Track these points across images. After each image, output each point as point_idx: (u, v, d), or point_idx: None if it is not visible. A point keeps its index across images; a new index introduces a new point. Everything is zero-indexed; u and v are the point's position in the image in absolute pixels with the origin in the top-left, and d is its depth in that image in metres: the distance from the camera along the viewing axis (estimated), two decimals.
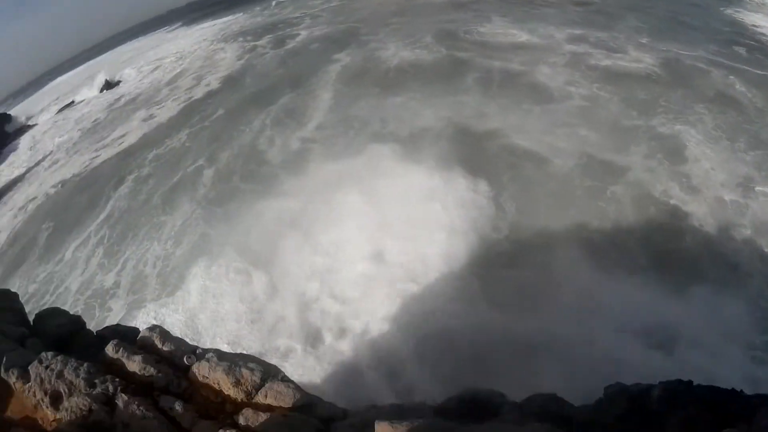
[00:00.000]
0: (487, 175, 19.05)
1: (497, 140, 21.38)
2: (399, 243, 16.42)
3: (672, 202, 16.55)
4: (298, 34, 49.83)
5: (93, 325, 16.89)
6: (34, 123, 59.16)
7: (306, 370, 13.46)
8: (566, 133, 21.05)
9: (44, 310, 9.51)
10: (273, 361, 12.67)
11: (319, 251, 17.04)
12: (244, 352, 13.64)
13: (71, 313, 9.62)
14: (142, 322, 16.84)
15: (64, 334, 8.92)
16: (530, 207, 17.25)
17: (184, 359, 7.37)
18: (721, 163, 18.16)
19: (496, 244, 16.09)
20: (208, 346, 14.60)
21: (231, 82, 39.08)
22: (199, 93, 38.52)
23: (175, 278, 18.02)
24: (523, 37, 32.99)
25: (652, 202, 16.65)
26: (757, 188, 16.90)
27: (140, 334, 8.01)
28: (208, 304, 16.33)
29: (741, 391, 6.38)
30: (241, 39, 55.98)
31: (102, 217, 24.36)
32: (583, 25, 35.09)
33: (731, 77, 24.90)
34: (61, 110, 58.32)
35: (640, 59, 27.27)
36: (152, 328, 7.89)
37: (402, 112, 25.03)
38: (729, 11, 38.71)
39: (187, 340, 7.88)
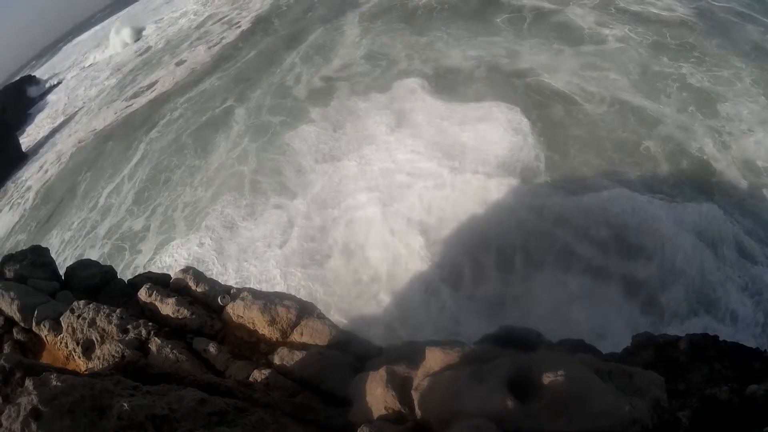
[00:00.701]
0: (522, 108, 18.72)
1: (528, 78, 20.89)
2: (432, 172, 16.63)
3: (705, 158, 15.71)
4: None
5: (123, 266, 17.96)
6: (60, 81, 59.70)
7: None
8: (597, 76, 20.26)
9: (75, 262, 9.58)
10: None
11: (351, 176, 17.43)
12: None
13: (102, 262, 9.69)
14: (169, 254, 17.57)
15: (95, 284, 8.96)
16: (562, 149, 16.87)
17: (219, 299, 7.21)
18: (759, 123, 17.13)
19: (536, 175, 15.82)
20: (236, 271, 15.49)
21: (261, 22, 38.34)
22: (230, 36, 37.98)
23: (205, 215, 18.44)
24: None
25: (686, 157, 15.93)
26: None
27: (173, 277, 7.93)
28: (240, 232, 16.89)
29: (766, 350, 6.28)
30: None
31: (135, 161, 24.81)
32: None
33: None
34: (89, 65, 58.41)
35: (671, 7, 25.79)
36: (186, 270, 7.76)
37: (429, 51, 24.44)
38: None
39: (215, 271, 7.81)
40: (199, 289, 7.41)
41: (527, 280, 12.99)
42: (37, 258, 9.42)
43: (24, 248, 9.76)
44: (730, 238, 13.31)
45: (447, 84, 21.51)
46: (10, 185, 33.16)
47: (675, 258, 12.87)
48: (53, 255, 19.56)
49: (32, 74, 66.61)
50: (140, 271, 16.60)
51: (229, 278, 15.36)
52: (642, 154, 16.10)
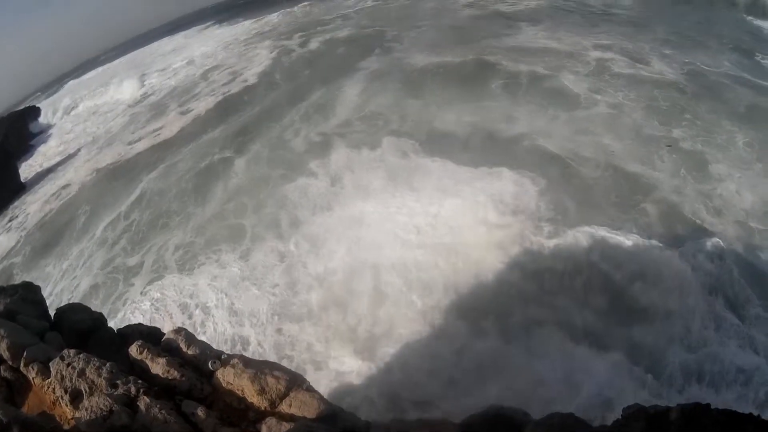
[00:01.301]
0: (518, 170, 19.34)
1: (525, 142, 21.56)
2: (422, 237, 16.90)
3: (698, 222, 16.19)
4: (329, 35, 50.01)
5: (116, 296, 18.13)
6: (64, 116, 60.27)
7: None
8: (591, 141, 21.01)
9: (66, 305, 9.60)
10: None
11: (347, 230, 17.75)
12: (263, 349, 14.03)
13: (97, 292, 9.76)
14: (160, 291, 17.42)
15: (84, 329, 8.98)
16: (560, 209, 17.25)
17: (209, 364, 7.25)
18: (751, 185, 17.67)
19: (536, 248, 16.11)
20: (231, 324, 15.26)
21: (265, 77, 39.57)
22: (234, 89, 38.93)
23: (201, 259, 18.62)
24: (550, 43, 32.89)
25: (681, 222, 16.44)
26: None
27: (165, 336, 7.92)
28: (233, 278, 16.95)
29: (758, 415, 6.14)
30: (274, 38, 56.40)
31: (132, 199, 25.28)
32: (609, 34, 35.04)
33: (758, 93, 24.56)
34: (94, 104, 59.10)
35: (663, 71, 27.02)
36: (178, 331, 7.81)
37: (425, 114, 25.33)
38: (750, 18, 40.53)
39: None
40: (190, 352, 7.51)
41: (524, 344, 13.10)
42: (28, 295, 9.50)
43: (16, 283, 9.90)
44: (725, 299, 13.63)
45: (442, 146, 22.10)
46: (7, 212, 33.26)
47: (672, 321, 13.21)
48: (51, 283, 19.84)
49: (37, 105, 66.92)
50: (133, 302, 17.22)
51: (217, 321, 15.56)
52: (636, 216, 16.54)
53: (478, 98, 25.94)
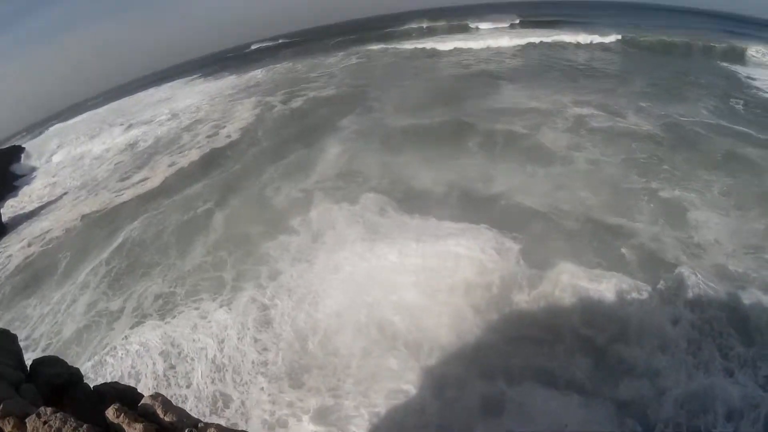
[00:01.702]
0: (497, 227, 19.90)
1: (502, 201, 22.24)
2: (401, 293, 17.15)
3: (679, 271, 16.41)
4: (313, 93, 51.75)
5: (98, 340, 18.54)
6: (48, 159, 60.52)
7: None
8: (569, 197, 21.71)
9: (43, 357, 9.48)
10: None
11: (328, 286, 18.14)
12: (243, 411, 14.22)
13: (76, 347, 9.75)
14: (141, 337, 17.67)
15: (60, 383, 8.87)
16: (540, 263, 17.57)
17: None
18: (729, 231, 18.36)
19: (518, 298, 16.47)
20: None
21: (247, 133, 40.76)
22: (218, 143, 40.07)
23: (182, 308, 18.98)
24: (529, 103, 34.33)
25: (660, 268, 16.81)
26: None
27: (142, 401, 7.89)
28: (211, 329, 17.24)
29: None
30: (258, 94, 58.32)
31: (114, 246, 25.61)
32: (588, 89, 37.03)
33: (735, 139, 25.79)
34: (79, 150, 59.50)
35: (640, 124, 28.42)
36: (155, 396, 7.84)
37: (405, 171, 26.28)
38: (724, 64, 44.68)
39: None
40: (167, 418, 7.62)
41: (512, 400, 13.24)
42: (4, 343, 9.44)
43: None
44: (709, 348, 13.82)
45: (421, 203, 22.86)
46: None
47: (658, 375, 13.33)
48: (29, 326, 20.31)
49: (22, 146, 67.12)
50: (114, 348, 17.37)
51: (200, 374, 15.65)
52: (617, 268, 16.87)
53: (456, 157, 27.00)
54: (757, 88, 36.85)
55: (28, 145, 70.93)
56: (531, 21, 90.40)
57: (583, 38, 61.49)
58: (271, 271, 19.76)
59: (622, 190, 21.75)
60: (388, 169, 26.76)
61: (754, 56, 48.77)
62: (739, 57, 48.91)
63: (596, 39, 60.59)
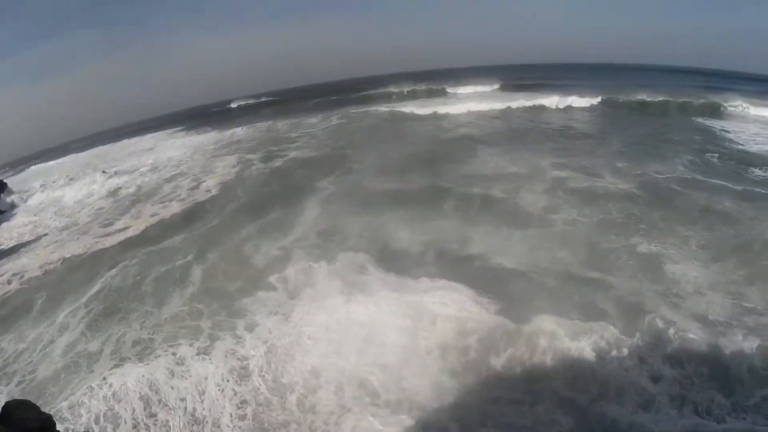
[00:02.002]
0: (471, 286, 20.57)
1: (478, 261, 23.02)
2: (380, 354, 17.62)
3: (658, 324, 16.91)
4: (293, 153, 53.94)
5: (78, 380, 18.76)
6: (30, 197, 61.27)
7: None
8: (547, 256, 22.52)
9: (15, 400, 9.82)
10: None
11: (308, 342, 18.59)
12: None
13: (43, 409, 10.19)
14: (120, 379, 17.89)
15: (32, 429, 9.28)
16: (519, 320, 18.03)
17: None
18: (708, 282, 19.10)
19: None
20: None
21: (227, 189, 42.31)
22: (199, 197, 41.69)
23: (159, 353, 19.45)
24: (507, 167, 36.00)
25: (640, 322, 17.19)
26: (748, 305, 17.68)
27: None
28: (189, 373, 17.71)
29: None
30: (239, 151, 60.41)
31: (93, 291, 26.29)
32: (566, 151, 39.43)
33: (710, 193, 27.58)
34: (61, 193, 59.99)
35: (617, 183, 30.11)
36: None
37: (382, 232, 27.27)
38: (700, 120, 48.87)
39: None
40: None
41: None
42: None
43: None
44: (693, 405, 14.14)
45: (397, 262, 23.64)
46: None
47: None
48: (4, 358, 20.51)
49: (3, 180, 66.64)
50: (92, 389, 17.46)
51: (179, 426, 16.04)
52: (597, 323, 17.27)
53: (432, 219, 28.18)
54: (731, 141, 40.67)
55: (10, 180, 71.09)
56: (513, 84, 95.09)
57: (563, 101, 65.15)
58: (248, 323, 20.44)
59: (600, 248, 22.72)
60: (366, 230, 27.86)
61: (728, 110, 54.29)
62: (715, 111, 54.01)
63: (576, 102, 64.35)
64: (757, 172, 31.99)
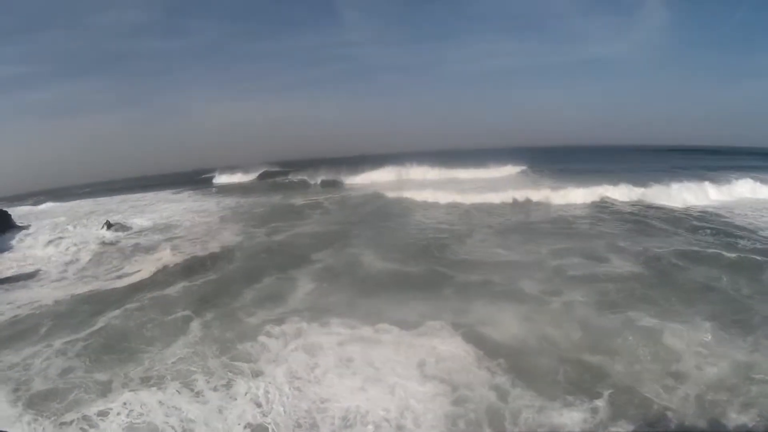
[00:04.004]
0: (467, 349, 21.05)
1: (471, 331, 23.01)
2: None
3: (658, 403, 16.72)
4: (295, 225, 56.16)
5: (90, 400, 19.24)
6: (34, 232, 62.09)
7: None
8: (544, 333, 22.45)
9: None
10: None
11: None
12: None
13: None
14: (126, 408, 18.70)
15: None
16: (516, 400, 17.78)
17: None
18: (711, 360, 18.79)
19: None
20: None
21: (226, 252, 43.49)
22: (200, 252, 43.39)
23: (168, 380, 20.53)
24: (509, 256, 36.48)
25: (639, 406, 16.79)
26: (755, 376, 17.52)
27: None
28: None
29: None
30: (243, 221, 61.79)
31: (96, 328, 27.24)
32: (566, 237, 40.89)
33: (708, 267, 28.81)
34: (65, 232, 61.49)
35: (619, 265, 31.05)
36: None
37: (371, 312, 26.69)
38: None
39: None
40: None
41: None
42: None
43: None
44: None
45: (391, 333, 23.13)
46: None
47: None
48: None
49: (8, 211, 68.14)
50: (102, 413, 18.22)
51: None
52: (592, 403, 16.86)
53: (429, 300, 27.98)
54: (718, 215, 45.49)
55: (13, 211, 72.53)
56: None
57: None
58: (254, 370, 20.87)
59: (598, 327, 22.58)
60: (358, 307, 27.59)
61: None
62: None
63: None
64: None
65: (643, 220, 47.01)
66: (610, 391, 17.34)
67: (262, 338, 24.47)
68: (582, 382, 18.21)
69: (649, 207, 53.10)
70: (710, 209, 49.01)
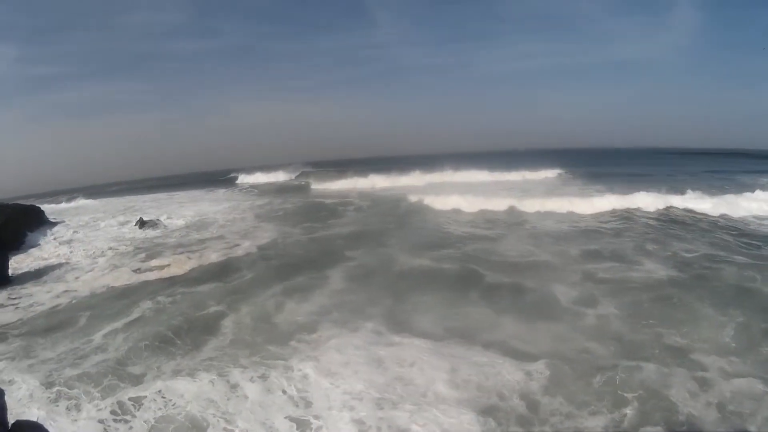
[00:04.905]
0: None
1: (503, 346, 21.90)
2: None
3: (685, 413, 16.17)
4: (332, 224, 56.37)
5: (121, 390, 19.35)
6: (66, 227, 63.53)
7: None
8: (576, 347, 21.40)
9: (28, 421, 9.23)
10: None
11: None
12: None
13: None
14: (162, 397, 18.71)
15: None
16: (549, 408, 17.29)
17: None
18: (738, 370, 18.21)
19: None
20: None
21: (263, 250, 43.86)
22: (238, 252, 43.35)
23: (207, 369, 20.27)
24: (540, 256, 35.72)
25: (666, 417, 16.18)
26: None
27: None
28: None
29: None
30: (277, 221, 61.70)
31: (133, 318, 27.77)
32: (597, 239, 40.01)
33: (741, 270, 28.11)
34: (97, 226, 63.52)
35: (650, 270, 30.09)
36: None
37: (402, 314, 26.40)
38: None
39: None
40: None
41: None
42: None
43: None
44: None
45: (420, 342, 22.23)
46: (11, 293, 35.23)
47: None
48: (38, 363, 22.33)
49: (41, 207, 68.68)
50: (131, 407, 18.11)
51: None
52: (619, 410, 16.49)
53: (457, 305, 27.15)
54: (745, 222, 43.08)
55: (46, 208, 73.29)
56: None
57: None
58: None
59: (630, 337, 21.76)
60: (387, 310, 26.92)
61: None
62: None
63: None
64: None
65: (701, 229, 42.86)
66: (639, 401, 16.74)
67: (296, 334, 24.43)
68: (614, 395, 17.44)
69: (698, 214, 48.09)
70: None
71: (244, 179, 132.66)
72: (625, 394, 17.26)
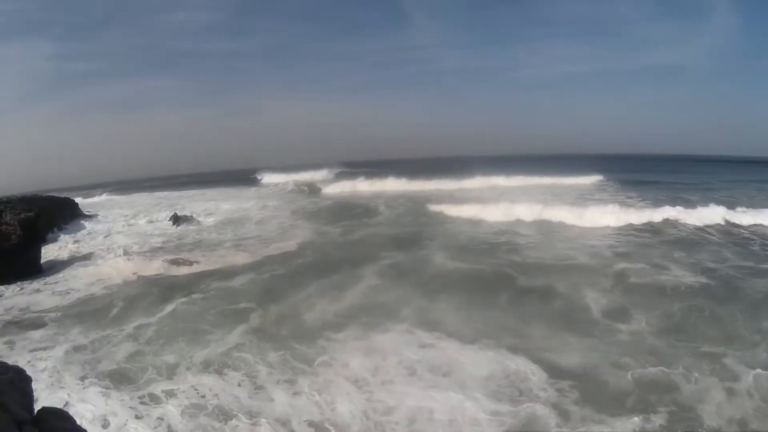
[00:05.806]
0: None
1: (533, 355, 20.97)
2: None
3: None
4: (368, 224, 55.86)
5: (144, 380, 19.59)
6: (99, 220, 64.90)
7: None
8: (608, 361, 20.43)
9: (52, 408, 8.75)
10: None
11: None
12: None
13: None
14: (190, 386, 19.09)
15: None
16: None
17: None
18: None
19: None
20: None
21: (301, 248, 43.52)
22: (274, 252, 42.80)
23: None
24: (575, 259, 35.24)
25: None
26: None
27: None
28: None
29: None
30: (314, 218, 61.16)
31: (166, 312, 27.71)
32: (626, 244, 39.24)
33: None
34: (130, 221, 64.00)
35: (681, 276, 29.35)
36: None
37: (433, 314, 26.00)
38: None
39: None
40: None
41: None
42: (18, 381, 8.44)
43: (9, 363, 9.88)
44: None
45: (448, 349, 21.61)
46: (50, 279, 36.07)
47: None
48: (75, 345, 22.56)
49: (75, 199, 70.69)
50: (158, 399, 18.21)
51: None
52: (648, 419, 15.86)
53: (486, 309, 26.50)
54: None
55: (81, 201, 75.16)
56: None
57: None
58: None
59: (660, 346, 21.14)
60: (419, 311, 26.31)
61: None
62: None
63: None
64: None
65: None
66: (669, 411, 16.20)
67: (325, 333, 24.06)
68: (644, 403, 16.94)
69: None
70: None
71: (275, 178, 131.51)
72: None
